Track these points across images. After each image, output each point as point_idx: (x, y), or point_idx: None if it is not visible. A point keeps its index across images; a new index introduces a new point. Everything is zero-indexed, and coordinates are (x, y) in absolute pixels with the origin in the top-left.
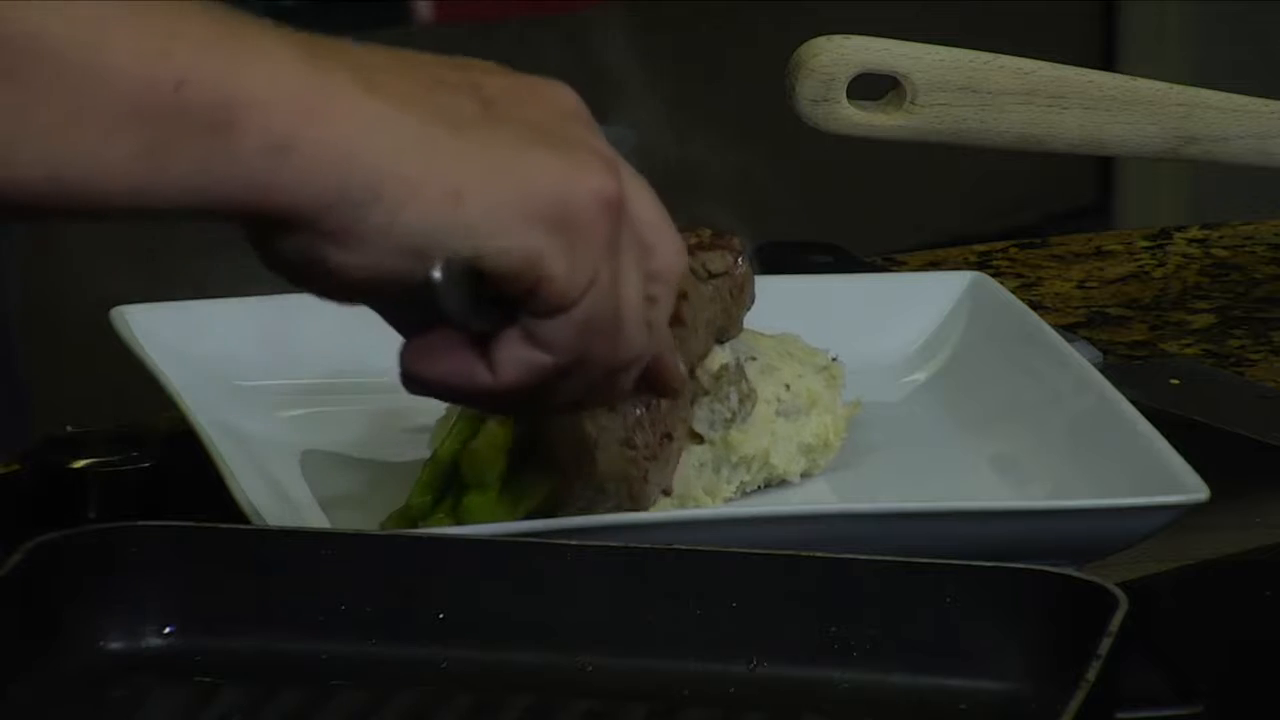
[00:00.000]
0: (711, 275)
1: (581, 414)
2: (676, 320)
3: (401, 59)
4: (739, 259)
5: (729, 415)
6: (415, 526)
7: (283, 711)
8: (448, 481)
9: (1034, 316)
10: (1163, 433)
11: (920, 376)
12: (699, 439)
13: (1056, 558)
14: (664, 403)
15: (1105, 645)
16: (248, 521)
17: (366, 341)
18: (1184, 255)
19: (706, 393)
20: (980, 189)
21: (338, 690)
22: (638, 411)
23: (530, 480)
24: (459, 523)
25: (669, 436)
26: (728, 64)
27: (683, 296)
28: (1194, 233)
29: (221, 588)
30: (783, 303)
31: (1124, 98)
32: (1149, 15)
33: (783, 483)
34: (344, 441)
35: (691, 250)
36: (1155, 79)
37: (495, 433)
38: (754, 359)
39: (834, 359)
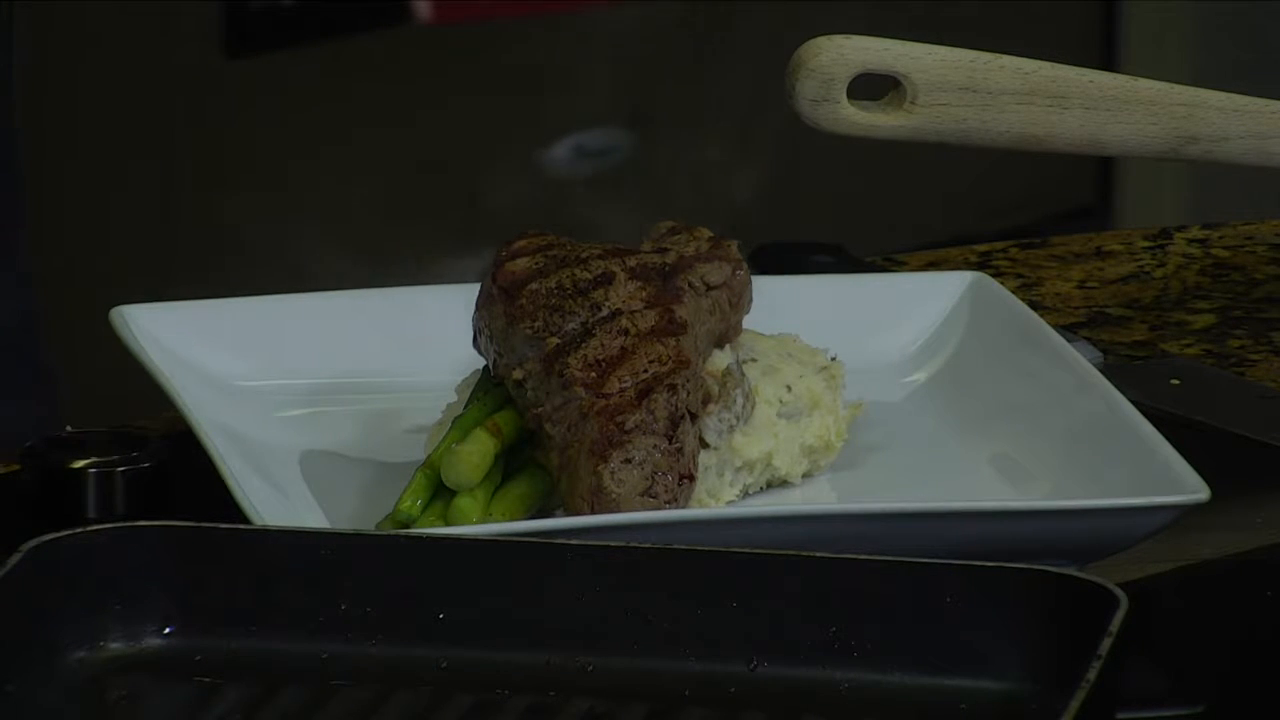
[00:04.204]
0: (710, 288)
1: (599, 466)
2: (677, 326)
3: None
4: (736, 269)
5: (734, 421)
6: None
7: (283, 711)
8: (438, 487)
9: (1034, 316)
10: (1163, 433)
11: (920, 376)
12: (704, 445)
13: (1056, 558)
14: (686, 445)
15: (1105, 645)
16: (248, 521)
17: (365, 343)
18: (1184, 255)
19: (715, 399)
20: (980, 189)
21: (338, 690)
22: (657, 456)
23: (523, 492)
24: (449, 525)
25: (689, 478)
26: (728, 63)
27: (681, 305)
28: (1194, 233)
29: (221, 588)
30: (783, 303)
31: (1124, 98)
32: (1149, 15)
33: (784, 483)
34: (343, 442)
35: (689, 262)
36: (1155, 79)
37: (484, 440)
38: (754, 360)
39: (834, 359)
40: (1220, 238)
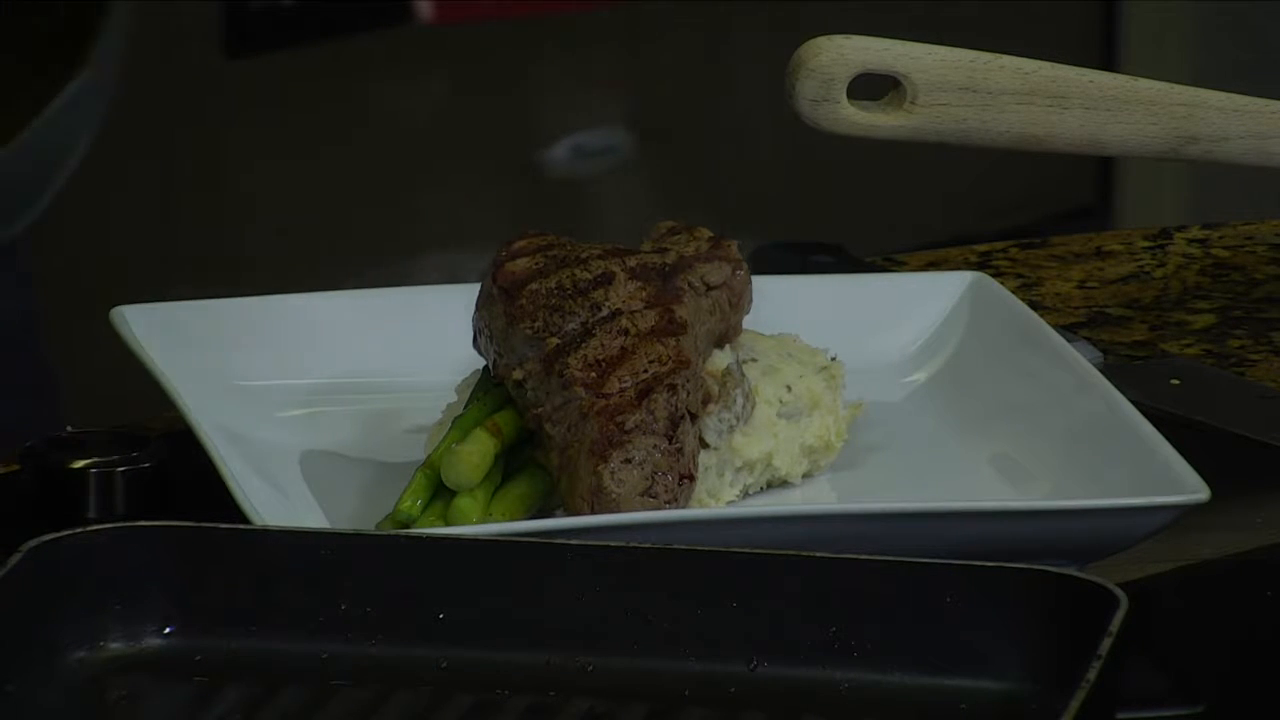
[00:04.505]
0: (710, 288)
1: (599, 466)
2: (677, 326)
3: None
4: (736, 269)
5: (734, 421)
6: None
7: (283, 711)
8: (438, 487)
9: (1034, 316)
10: (1163, 433)
11: (920, 376)
12: (704, 445)
13: (1056, 558)
14: (686, 445)
15: (1105, 645)
16: (248, 521)
17: (366, 342)
18: (1184, 255)
19: (715, 399)
20: (980, 189)
21: (338, 690)
22: (657, 456)
23: (523, 492)
24: (449, 525)
25: (689, 478)
26: (728, 63)
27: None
28: (1194, 233)
29: (221, 588)
30: (783, 303)
31: (1124, 98)
32: (1149, 15)
33: (784, 483)
34: (343, 442)
35: (689, 262)
36: (1155, 79)
37: (484, 440)
38: (754, 360)
39: (834, 359)
40: (1220, 238)
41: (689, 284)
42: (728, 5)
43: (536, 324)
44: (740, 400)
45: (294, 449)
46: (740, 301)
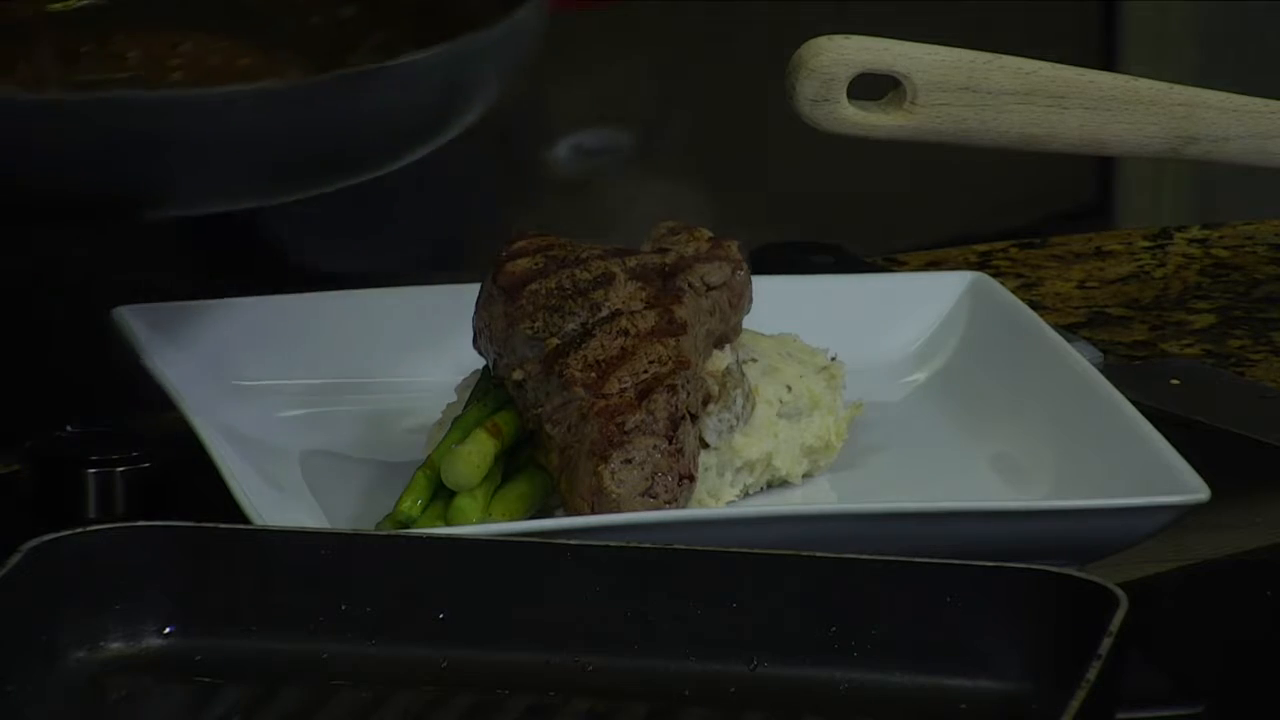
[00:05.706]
0: (710, 288)
1: (599, 466)
2: (677, 326)
3: None
4: (736, 269)
5: (734, 421)
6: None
7: (283, 711)
8: (438, 487)
9: (1034, 316)
10: (1163, 433)
11: (920, 376)
12: (704, 445)
13: (1057, 558)
14: (686, 445)
15: (1105, 645)
16: (248, 521)
17: (366, 342)
18: (1184, 255)
19: (715, 399)
20: (980, 189)
21: (338, 690)
22: (657, 456)
23: (523, 492)
24: (449, 525)
25: (689, 478)
26: (727, 64)
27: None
28: (1194, 233)
29: (221, 588)
30: (783, 303)
31: (1124, 98)
32: (1149, 15)
33: (784, 483)
34: (343, 442)
35: (689, 263)
36: (1155, 79)
37: (484, 440)
38: (754, 360)
39: (834, 359)
40: (1220, 238)
41: (689, 284)
42: (728, 5)
43: (536, 324)
44: (740, 400)
45: (294, 449)
46: (740, 301)
